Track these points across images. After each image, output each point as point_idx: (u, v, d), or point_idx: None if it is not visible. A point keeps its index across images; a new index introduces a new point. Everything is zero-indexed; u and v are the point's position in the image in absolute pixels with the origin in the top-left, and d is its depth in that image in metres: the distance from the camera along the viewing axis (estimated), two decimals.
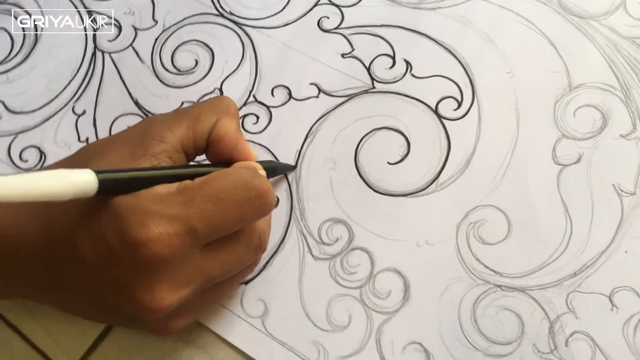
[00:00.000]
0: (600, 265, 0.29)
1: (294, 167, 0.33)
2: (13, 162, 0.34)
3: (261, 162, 0.29)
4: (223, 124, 0.27)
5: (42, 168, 0.34)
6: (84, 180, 0.22)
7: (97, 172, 0.22)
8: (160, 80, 0.36)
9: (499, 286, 0.29)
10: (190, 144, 0.27)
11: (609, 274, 0.29)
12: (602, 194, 0.31)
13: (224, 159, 0.27)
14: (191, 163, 0.28)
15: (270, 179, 0.31)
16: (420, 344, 0.29)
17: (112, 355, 0.30)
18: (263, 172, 0.27)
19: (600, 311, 0.28)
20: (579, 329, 0.28)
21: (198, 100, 0.35)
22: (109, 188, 0.23)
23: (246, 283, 0.31)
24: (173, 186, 0.25)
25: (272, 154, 0.33)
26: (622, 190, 0.30)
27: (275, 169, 0.31)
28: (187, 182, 0.25)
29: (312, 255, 0.31)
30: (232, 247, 0.26)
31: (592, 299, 0.29)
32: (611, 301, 0.28)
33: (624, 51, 0.33)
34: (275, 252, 0.31)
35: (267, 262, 0.31)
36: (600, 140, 0.32)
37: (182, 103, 0.35)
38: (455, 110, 0.33)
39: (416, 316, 0.29)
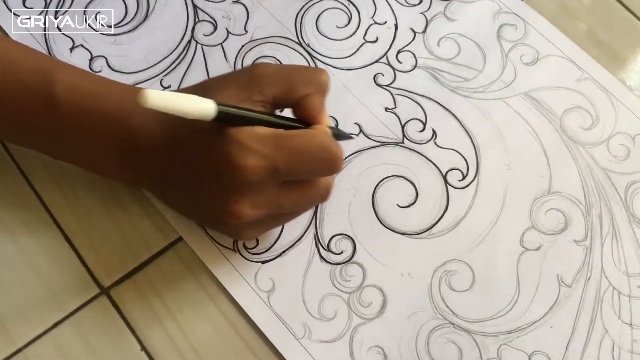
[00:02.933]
0: (530, 331, 0.38)
1: (352, 138, 0.41)
2: None
3: (330, 128, 0.36)
4: (312, 100, 0.34)
5: None
6: (208, 107, 0.29)
7: (217, 104, 0.30)
8: None
9: (453, 324, 0.38)
10: (281, 102, 0.34)
11: (534, 340, 0.38)
12: (547, 279, 0.39)
13: (304, 119, 0.34)
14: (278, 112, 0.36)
15: None
16: (382, 349, 0.37)
17: (142, 286, 0.38)
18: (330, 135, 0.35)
19: None
20: None
21: None
22: (222, 119, 0.31)
23: (263, 262, 0.39)
24: (269, 130, 0.32)
25: None
26: (562, 281, 0.39)
27: (339, 136, 0.37)
28: (282, 131, 0.32)
29: (320, 257, 0.39)
30: (302, 190, 0.34)
31: (517, 353, 0.37)
32: (530, 359, 0.37)
33: (596, 177, 0.42)
34: (292, 245, 0.39)
35: (284, 251, 0.39)
36: (558, 238, 0.41)
37: None
38: (459, 180, 0.42)
39: (385, 327, 0.38)
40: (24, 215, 0.39)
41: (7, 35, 0.43)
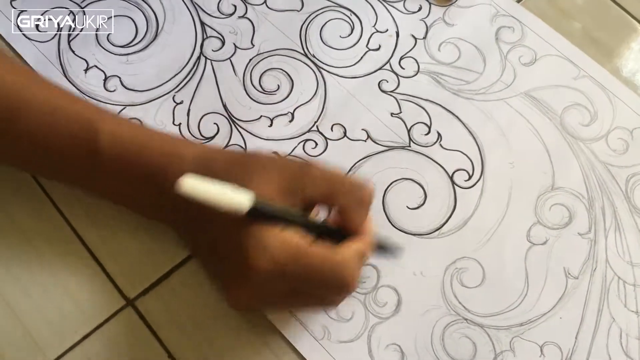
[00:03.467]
0: (541, 322, 0.39)
1: (399, 256, 0.40)
2: None
3: (378, 239, 0.37)
4: (351, 212, 0.35)
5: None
6: (241, 204, 0.31)
7: (253, 201, 0.31)
8: (247, 93, 0.45)
9: (466, 319, 0.39)
10: (324, 206, 0.35)
11: (545, 331, 0.39)
12: (555, 272, 0.41)
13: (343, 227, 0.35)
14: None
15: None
16: (399, 346, 0.39)
17: (166, 296, 0.39)
18: (369, 252, 0.36)
19: (531, 355, 0.39)
20: None
21: (273, 118, 0.44)
22: (254, 215, 0.32)
23: None
24: (294, 240, 0.33)
25: None
26: (569, 274, 0.41)
27: (384, 249, 0.38)
28: (305, 243, 0.33)
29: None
30: (307, 299, 0.36)
31: (529, 345, 0.39)
32: (541, 350, 0.39)
33: (597, 171, 0.44)
34: None
35: None
36: (563, 232, 0.42)
37: (260, 116, 0.44)
38: (465, 181, 0.43)
39: (401, 325, 0.39)
40: (47, 232, 0.40)
41: (26, 63, 0.44)
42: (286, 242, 0.32)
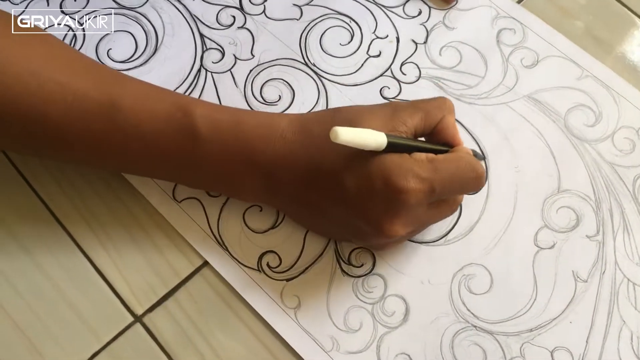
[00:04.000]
0: (551, 327, 0.39)
1: (484, 158, 0.44)
2: None
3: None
4: (447, 120, 0.37)
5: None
6: (382, 140, 0.33)
7: (388, 136, 0.33)
8: (248, 104, 0.45)
9: (475, 326, 0.39)
10: (420, 130, 0.37)
11: (555, 336, 0.39)
12: (563, 276, 0.41)
13: (443, 142, 0.37)
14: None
15: None
16: (409, 356, 0.39)
17: (174, 312, 0.39)
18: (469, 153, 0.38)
19: None
20: None
21: None
22: (389, 148, 0.34)
23: (288, 280, 0.40)
24: (423, 155, 0.35)
25: None
26: (578, 277, 0.41)
27: (476, 155, 0.40)
28: (433, 155, 0.35)
29: (342, 271, 0.40)
30: (444, 207, 0.38)
31: (539, 351, 0.39)
32: (552, 355, 0.39)
33: (603, 172, 0.44)
34: (314, 261, 0.41)
35: (306, 268, 0.40)
36: (571, 235, 0.42)
37: None
38: None
39: (409, 334, 0.39)
40: (54, 250, 0.40)
41: None
42: (421, 160, 0.35)
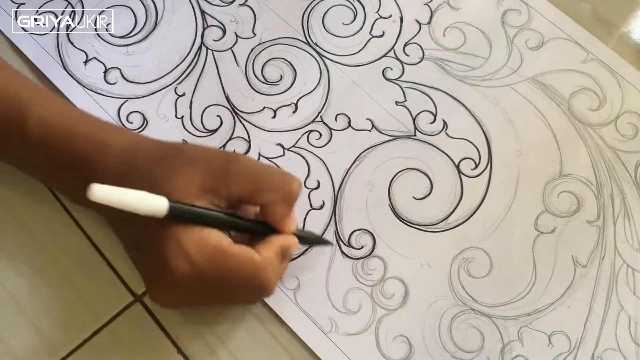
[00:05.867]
0: (549, 312, 0.39)
1: (329, 243, 0.40)
2: (121, 122, 0.42)
3: (301, 232, 0.38)
4: (276, 207, 0.35)
5: (142, 130, 0.42)
6: (159, 207, 0.31)
7: (170, 202, 0.31)
8: (250, 84, 0.44)
9: (473, 310, 0.39)
10: (246, 200, 0.35)
11: (553, 320, 0.39)
12: (563, 260, 0.41)
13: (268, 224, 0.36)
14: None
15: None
16: (407, 338, 0.39)
17: None
18: (294, 245, 0.36)
19: (539, 345, 0.39)
20: (521, 353, 0.38)
21: (276, 109, 0.44)
22: (174, 216, 0.32)
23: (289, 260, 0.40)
24: (213, 240, 0.33)
25: (326, 166, 0.42)
26: (577, 262, 0.41)
27: (314, 241, 0.40)
28: (224, 244, 0.33)
29: (342, 253, 0.40)
30: (227, 296, 0.36)
31: (537, 334, 0.39)
32: (549, 339, 0.39)
33: (606, 157, 0.43)
34: None
35: (306, 250, 0.40)
36: (571, 220, 0.42)
37: (264, 108, 0.44)
38: (472, 169, 0.43)
39: (408, 317, 0.39)
40: (54, 230, 0.40)
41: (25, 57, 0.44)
42: (204, 243, 0.33)
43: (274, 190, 0.34)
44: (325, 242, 0.40)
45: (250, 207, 0.37)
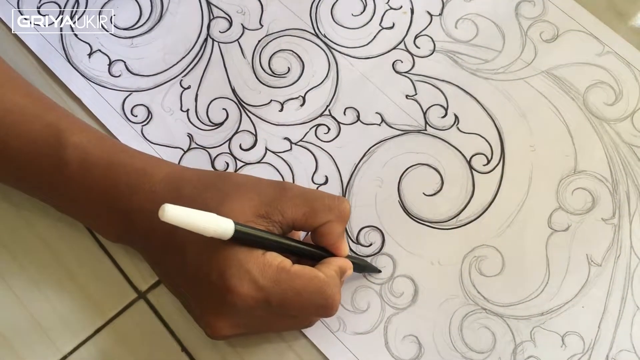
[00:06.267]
0: (562, 312, 0.38)
1: (379, 271, 0.39)
2: (125, 115, 0.42)
3: (353, 258, 0.37)
4: (332, 227, 0.34)
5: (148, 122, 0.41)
6: (226, 229, 0.30)
7: (236, 225, 0.30)
8: (256, 77, 0.43)
9: (485, 309, 0.38)
10: (299, 226, 0.34)
11: (566, 320, 0.38)
12: (577, 259, 0.40)
13: (322, 246, 0.35)
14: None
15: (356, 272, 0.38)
16: (417, 338, 0.38)
17: None
18: (350, 269, 0.35)
19: (552, 346, 0.38)
20: (534, 354, 0.37)
21: (283, 103, 0.43)
22: (237, 239, 0.31)
23: None
24: (276, 261, 0.32)
25: (334, 161, 0.41)
26: (592, 261, 0.40)
27: (364, 268, 0.38)
28: (287, 265, 0.32)
29: (350, 251, 0.39)
30: (292, 322, 0.36)
31: (550, 335, 0.38)
32: (563, 340, 0.38)
33: (622, 153, 0.42)
34: None
35: None
36: (586, 218, 0.41)
37: (270, 101, 0.43)
38: (484, 165, 0.42)
39: (418, 316, 0.38)
40: (58, 225, 0.39)
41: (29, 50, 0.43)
42: (268, 264, 0.32)
43: (328, 211, 0.34)
44: (376, 270, 0.39)
45: (296, 233, 0.37)
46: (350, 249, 0.39)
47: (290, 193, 0.34)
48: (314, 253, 0.35)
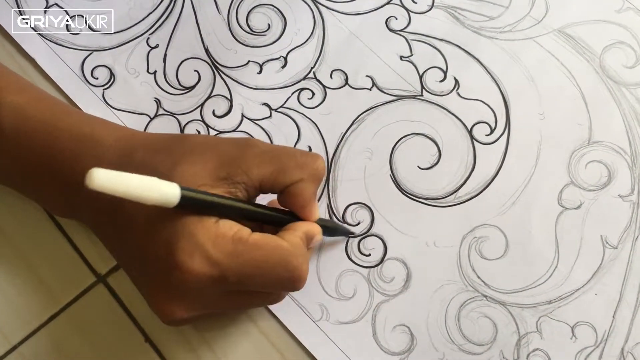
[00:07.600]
0: (572, 300, 0.35)
1: (352, 233, 0.36)
2: (85, 78, 0.38)
3: (323, 221, 0.33)
4: (303, 186, 0.30)
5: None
6: (171, 194, 0.26)
7: (182, 189, 0.26)
8: (233, 35, 0.39)
9: (485, 296, 0.35)
10: (267, 186, 0.30)
11: (577, 309, 0.34)
12: (590, 241, 0.36)
13: (290, 209, 0.31)
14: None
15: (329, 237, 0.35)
16: (408, 328, 0.34)
17: None
18: (319, 233, 0.32)
19: (561, 337, 0.34)
20: (540, 347, 0.34)
21: (263, 64, 0.38)
22: (186, 206, 0.27)
23: None
24: (232, 230, 0.28)
25: (318, 129, 0.37)
26: (607, 243, 0.36)
27: (335, 231, 0.35)
28: (244, 234, 0.28)
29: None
30: (250, 297, 0.31)
31: (558, 326, 0.34)
32: (573, 331, 0.34)
33: None
34: None
35: None
36: (601, 194, 0.37)
37: (248, 62, 0.38)
38: (487, 135, 0.37)
39: (410, 304, 0.34)
40: (11, 204, 0.36)
41: None
42: (221, 235, 0.28)
43: (300, 168, 0.30)
44: (348, 232, 0.36)
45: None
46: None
47: (256, 150, 0.30)
48: (280, 218, 0.31)
